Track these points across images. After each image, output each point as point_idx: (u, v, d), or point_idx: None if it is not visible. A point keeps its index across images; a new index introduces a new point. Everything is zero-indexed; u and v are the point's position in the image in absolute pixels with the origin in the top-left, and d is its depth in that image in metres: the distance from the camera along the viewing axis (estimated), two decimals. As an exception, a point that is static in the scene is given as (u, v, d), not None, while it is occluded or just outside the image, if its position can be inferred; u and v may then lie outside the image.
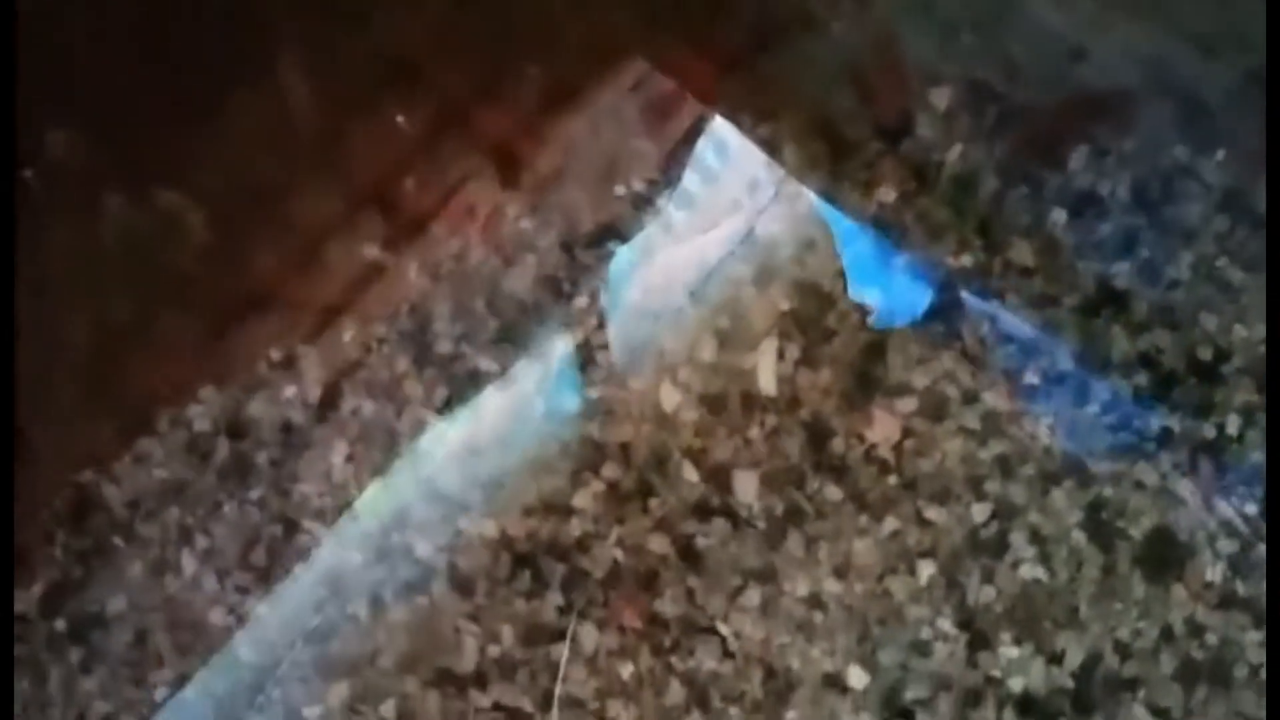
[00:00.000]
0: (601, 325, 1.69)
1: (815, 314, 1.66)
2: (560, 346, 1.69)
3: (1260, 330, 1.54)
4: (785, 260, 1.72)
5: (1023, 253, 1.65)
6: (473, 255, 1.72)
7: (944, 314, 1.66)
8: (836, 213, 1.72)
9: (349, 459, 1.62)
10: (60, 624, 1.56)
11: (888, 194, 1.70)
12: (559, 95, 1.81)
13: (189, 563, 1.58)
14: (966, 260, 1.66)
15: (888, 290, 1.68)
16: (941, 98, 1.76)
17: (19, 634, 1.54)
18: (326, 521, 1.59)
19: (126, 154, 1.85)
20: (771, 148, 1.75)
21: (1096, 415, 1.59)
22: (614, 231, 1.72)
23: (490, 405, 1.68)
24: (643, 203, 1.74)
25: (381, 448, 1.63)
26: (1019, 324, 1.63)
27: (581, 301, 1.69)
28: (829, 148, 1.74)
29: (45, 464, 1.66)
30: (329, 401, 1.65)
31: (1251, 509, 1.50)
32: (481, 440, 1.67)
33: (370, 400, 1.64)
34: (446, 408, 1.64)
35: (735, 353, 1.65)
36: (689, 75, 1.82)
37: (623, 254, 1.73)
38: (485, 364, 1.67)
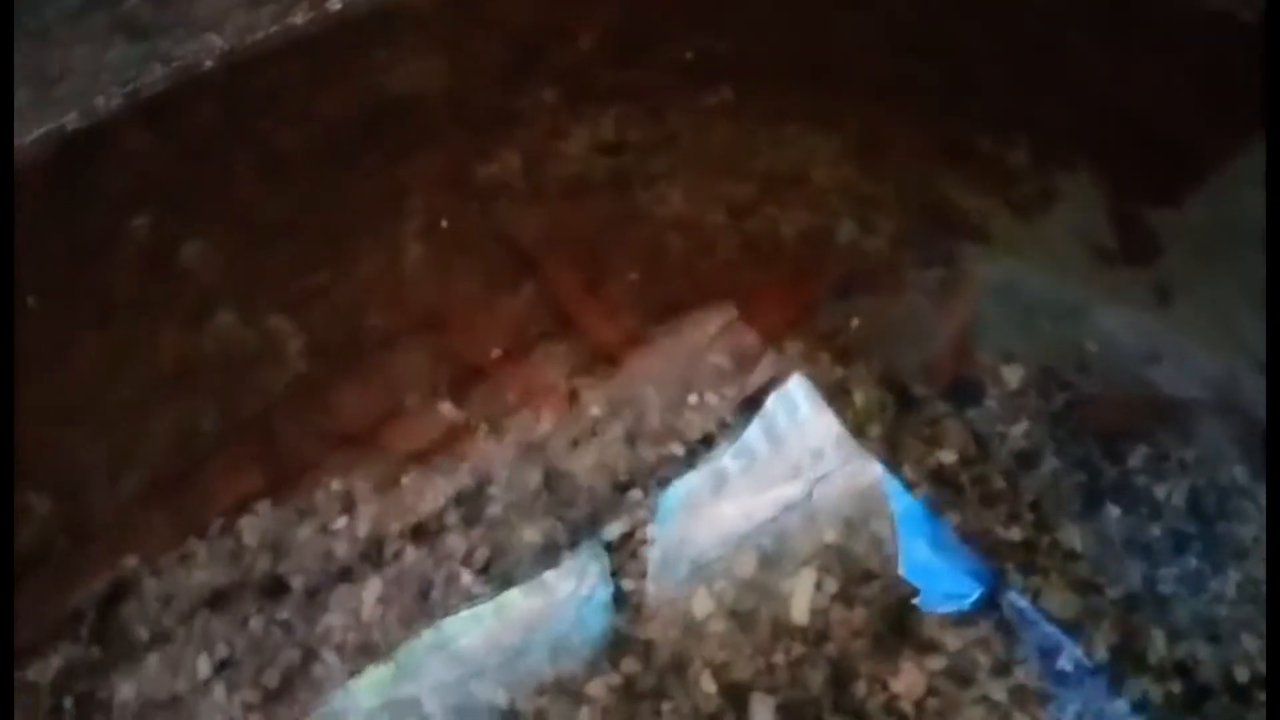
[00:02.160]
0: (648, 520, 1.73)
1: (860, 553, 1.68)
2: (605, 533, 1.72)
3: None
4: (838, 519, 1.75)
5: (1071, 536, 1.68)
6: (541, 430, 1.79)
7: (987, 606, 1.66)
8: (899, 490, 1.75)
9: (380, 599, 1.64)
10: (68, 701, 1.57)
11: (949, 455, 1.75)
12: (654, 303, 1.93)
13: (204, 668, 1.59)
14: (1015, 533, 1.69)
15: (936, 579, 1.69)
16: (1014, 376, 1.83)
17: (26, 701, 1.56)
18: (345, 657, 1.60)
19: (250, 275, 1.99)
20: (842, 390, 1.83)
21: (1125, 715, 1.56)
22: (679, 435, 1.79)
23: (525, 576, 1.70)
24: (711, 414, 1.80)
25: (413, 594, 1.65)
26: (1058, 616, 1.63)
27: (635, 495, 1.74)
28: (896, 400, 1.81)
29: (96, 545, 1.71)
30: (374, 539, 1.69)
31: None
32: (510, 609, 1.68)
33: (414, 546, 1.68)
34: (484, 569, 1.67)
35: (774, 574, 1.67)
36: (778, 306, 1.92)
37: (669, 495, 1.76)
38: (529, 534, 1.70)
